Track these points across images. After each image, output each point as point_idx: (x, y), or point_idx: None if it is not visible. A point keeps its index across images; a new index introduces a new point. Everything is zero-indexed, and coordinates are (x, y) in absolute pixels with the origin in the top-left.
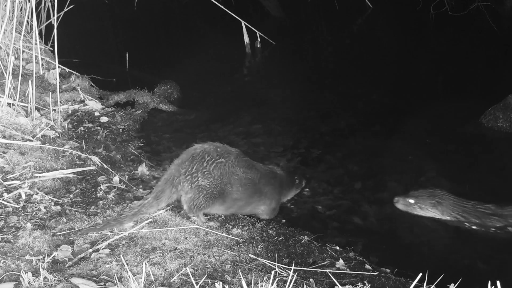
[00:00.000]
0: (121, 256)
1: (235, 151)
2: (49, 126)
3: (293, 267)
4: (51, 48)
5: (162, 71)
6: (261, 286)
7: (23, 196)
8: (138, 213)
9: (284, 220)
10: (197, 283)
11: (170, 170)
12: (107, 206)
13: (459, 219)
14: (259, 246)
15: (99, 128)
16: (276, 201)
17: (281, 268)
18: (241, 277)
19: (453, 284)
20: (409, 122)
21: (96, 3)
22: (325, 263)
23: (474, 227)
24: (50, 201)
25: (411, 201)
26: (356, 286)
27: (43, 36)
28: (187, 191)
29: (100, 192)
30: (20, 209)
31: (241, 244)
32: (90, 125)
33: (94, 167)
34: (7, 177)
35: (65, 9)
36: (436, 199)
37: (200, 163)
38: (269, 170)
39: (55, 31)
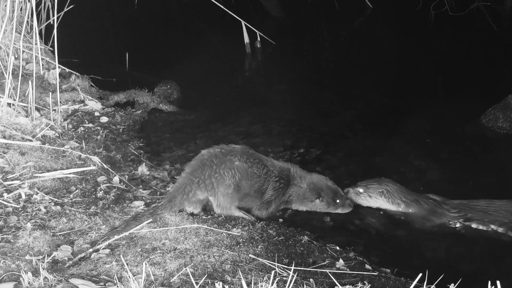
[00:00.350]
0: (121, 256)
1: (240, 147)
2: (49, 126)
3: (293, 267)
4: (51, 48)
5: (162, 71)
6: (261, 286)
7: (23, 196)
8: (153, 213)
9: (284, 220)
10: (197, 283)
11: (182, 179)
12: (107, 206)
13: (404, 208)
14: (259, 246)
15: (99, 128)
16: (274, 203)
17: (281, 268)
18: (241, 277)
19: (453, 284)
20: (409, 122)
21: (96, 3)
22: (325, 263)
23: (415, 219)
24: (50, 201)
25: (361, 190)
26: (356, 286)
27: (43, 36)
28: (213, 195)
29: (100, 192)
30: (20, 209)
31: (241, 244)
32: (90, 125)
33: (94, 167)
34: (7, 177)
35: (65, 9)
36: (383, 187)
37: (210, 168)
38: (284, 169)
39: (55, 31)
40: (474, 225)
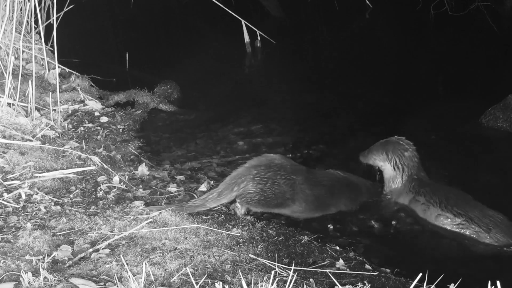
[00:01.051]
0: (121, 256)
1: (305, 169)
2: (49, 126)
3: (293, 267)
4: (51, 48)
5: (162, 71)
6: (261, 286)
7: (23, 196)
8: (200, 206)
9: (284, 220)
10: (197, 283)
11: (241, 169)
12: (107, 206)
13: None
14: (259, 246)
15: (99, 128)
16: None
17: (281, 268)
18: (241, 277)
19: (453, 284)
20: (409, 122)
21: (96, 3)
22: (325, 263)
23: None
24: (50, 201)
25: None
26: (356, 286)
27: (43, 36)
28: (249, 187)
29: (100, 192)
30: (20, 209)
31: (241, 244)
32: (90, 125)
33: (94, 167)
34: (7, 177)
35: (65, 9)
36: (385, 147)
37: (274, 173)
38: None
39: (55, 31)
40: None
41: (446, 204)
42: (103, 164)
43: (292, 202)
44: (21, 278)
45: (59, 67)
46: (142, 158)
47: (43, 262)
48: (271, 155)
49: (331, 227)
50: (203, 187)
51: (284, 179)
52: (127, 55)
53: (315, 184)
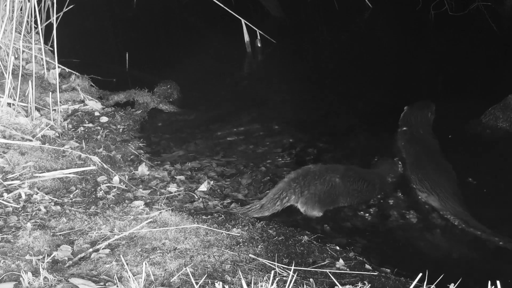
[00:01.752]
0: (121, 256)
1: (343, 166)
2: (49, 126)
3: (293, 267)
4: (51, 48)
5: (162, 71)
6: (261, 286)
7: (23, 196)
8: (245, 214)
9: (284, 220)
10: (197, 283)
11: (281, 184)
12: (107, 206)
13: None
14: (259, 246)
15: (99, 128)
16: None
17: (281, 268)
18: (241, 277)
19: (453, 284)
20: None
21: (96, 3)
22: (325, 263)
23: None
24: (50, 201)
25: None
26: (356, 286)
27: (43, 36)
28: (302, 196)
29: (100, 192)
30: (20, 209)
31: (241, 244)
32: (90, 125)
33: (94, 167)
34: (7, 177)
35: (65, 9)
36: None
37: (312, 178)
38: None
39: (54, 31)
40: None
41: (411, 164)
42: (103, 164)
43: (338, 198)
44: (21, 278)
45: (59, 67)
46: (142, 158)
47: (43, 262)
48: (309, 166)
49: (331, 227)
50: (203, 187)
51: (322, 180)
52: (127, 55)
53: (354, 179)
